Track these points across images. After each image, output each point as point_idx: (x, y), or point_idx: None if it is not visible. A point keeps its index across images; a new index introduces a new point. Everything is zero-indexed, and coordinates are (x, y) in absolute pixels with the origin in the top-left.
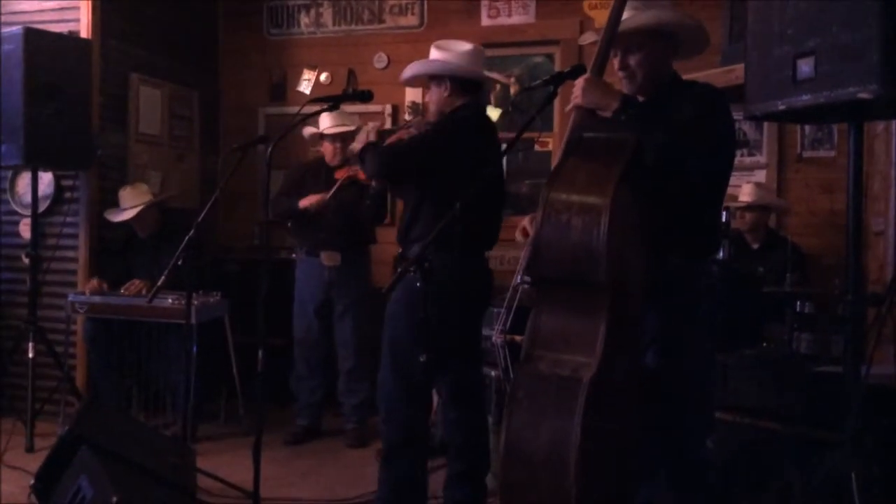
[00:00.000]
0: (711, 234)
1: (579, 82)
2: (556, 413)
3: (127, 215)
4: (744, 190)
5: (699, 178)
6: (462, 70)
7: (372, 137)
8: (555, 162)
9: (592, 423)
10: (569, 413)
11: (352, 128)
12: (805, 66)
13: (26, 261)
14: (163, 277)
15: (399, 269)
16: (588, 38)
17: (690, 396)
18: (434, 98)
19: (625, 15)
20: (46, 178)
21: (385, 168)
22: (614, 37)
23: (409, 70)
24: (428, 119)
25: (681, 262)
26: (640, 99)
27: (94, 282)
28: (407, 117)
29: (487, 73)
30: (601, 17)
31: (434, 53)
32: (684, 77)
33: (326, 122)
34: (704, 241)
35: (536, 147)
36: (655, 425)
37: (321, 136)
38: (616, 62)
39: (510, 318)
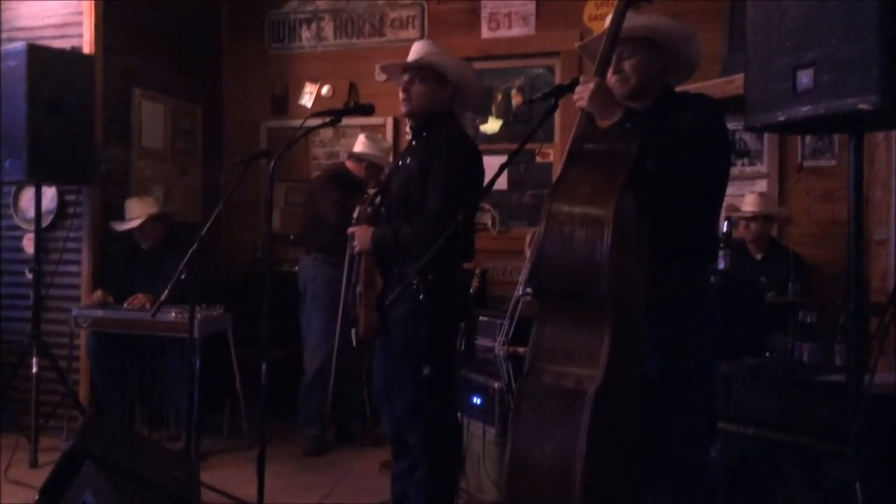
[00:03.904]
0: (709, 243)
1: (587, 85)
2: (561, 426)
3: (131, 224)
4: (747, 200)
5: (699, 187)
6: (471, 84)
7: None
8: (556, 173)
9: (598, 436)
10: (575, 426)
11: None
12: (805, 78)
13: (30, 275)
14: (166, 292)
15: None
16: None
17: (691, 405)
18: (428, 94)
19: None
20: (50, 193)
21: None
22: (617, 38)
23: (440, 59)
24: (412, 111)
25: (679, 271)
26: (636, 107)
27: (99, 293)
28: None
29: None
30: (601, 29)
31: (436, 49)
32: (686, 86)
33: (360, 146)
34: (702, 249)
35: (537, 158)
36: (657, 434)
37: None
38: (610, 66)
39: (512, 330)
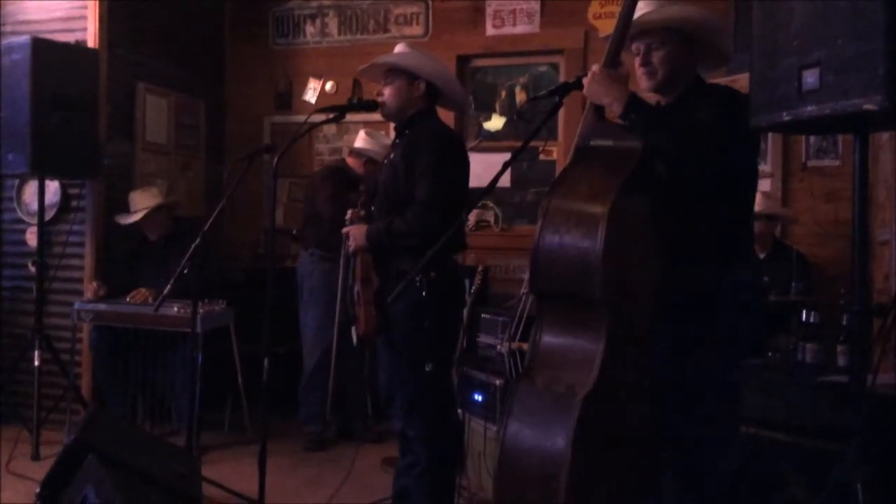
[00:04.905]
0: (734, 242)
1: (589, 74)
2: (548, 430)
3: (136, 217)
4: None
5: (714, 183)
6: (445, 80)
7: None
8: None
9: (586, 441)
10: (561, 430)
11: (375, 149)
12: (810, 78)
13: (32, 269)
14: (168, 286)
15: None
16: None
17: (710, 407)
18: (398, 93)
19: (647, 7)
20: (53, 187)
21: (433, 229)
22: (627, 28)
23: (400, 59)
24: (386, 112)
25: (700, 270)
26: (662, 101)
27: (95, 284)
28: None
29: None
30: (605, 27)
31: (407, 50)
32: None
33: (360, 142)
34: (727, 248)
35: (541, 156)
36: (670, 436)
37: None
38: (638, 59)
39: (520, 327)
